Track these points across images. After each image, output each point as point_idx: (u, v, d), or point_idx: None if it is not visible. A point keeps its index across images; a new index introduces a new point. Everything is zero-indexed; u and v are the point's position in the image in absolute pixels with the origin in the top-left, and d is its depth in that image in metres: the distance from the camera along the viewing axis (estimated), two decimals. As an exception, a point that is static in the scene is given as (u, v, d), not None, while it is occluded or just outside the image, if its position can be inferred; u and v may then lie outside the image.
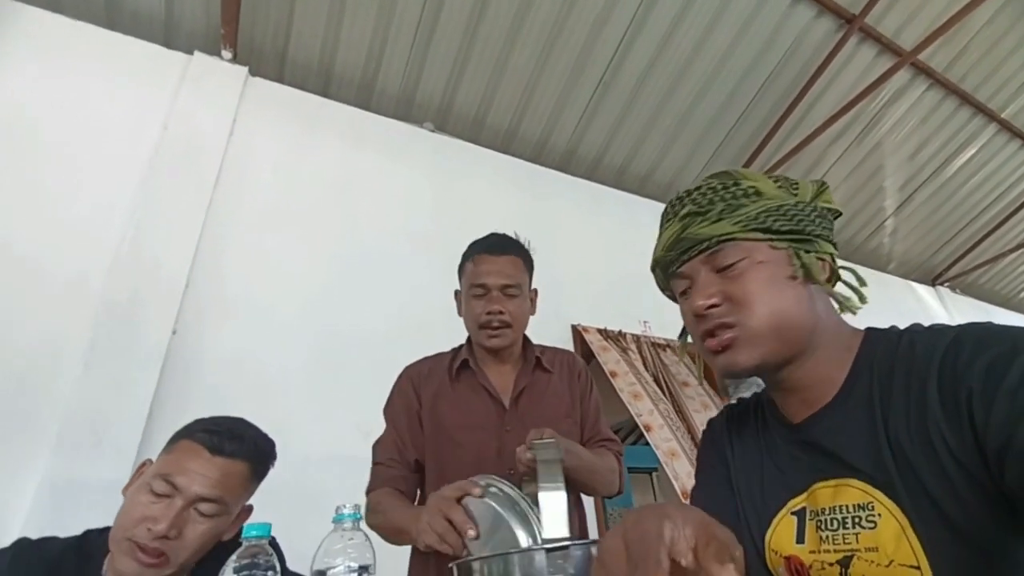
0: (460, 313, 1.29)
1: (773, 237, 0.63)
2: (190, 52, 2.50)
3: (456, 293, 1.32)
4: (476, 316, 1.18)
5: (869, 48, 3.39)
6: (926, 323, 0.61)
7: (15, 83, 2.11)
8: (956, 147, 4.18)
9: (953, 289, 5.38)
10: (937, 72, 3.62)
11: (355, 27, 2.69)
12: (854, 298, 0.66)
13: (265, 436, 0.99)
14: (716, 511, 0.71)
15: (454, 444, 1.13)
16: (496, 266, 1.20)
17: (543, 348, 1.31)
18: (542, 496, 0.66)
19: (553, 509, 0.65)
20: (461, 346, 1.29)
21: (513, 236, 1.28)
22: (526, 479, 0.90)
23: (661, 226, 0.71)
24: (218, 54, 2.54)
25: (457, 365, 1.22)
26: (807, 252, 0.63)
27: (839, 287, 0.68)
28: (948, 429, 0.50)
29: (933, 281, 5.31)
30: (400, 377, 1.28)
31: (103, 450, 1.73)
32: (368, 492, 1.15)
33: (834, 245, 0.67)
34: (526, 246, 1.28)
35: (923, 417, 0.52)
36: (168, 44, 2.49)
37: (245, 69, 2.59)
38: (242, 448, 0.91)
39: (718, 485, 0.74)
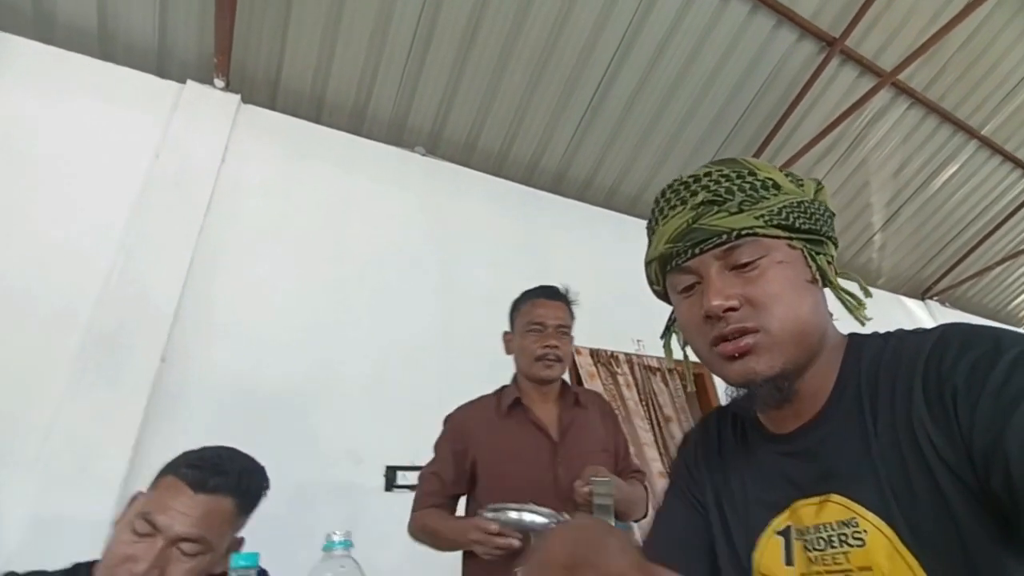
0: (508, 351, 1.46)
1: (792, 235, 0.59)
2: (183, 81, 2.52)
3: (505, 334, 1.49)
4: (532, 351, 1.35)
5: (851, 69, 3.47)
6: None
7: (5, 112, 2.12)
8: (939, 164, 4.26)
9: (942, 303, 5.43)
10: (917, 92, 3.70)
11: (347, 54, 2.74)
12: (862, 306, 0.64)
13: (254, 468, 0.98)
14: (675, 537, 0.70)
15: (509, 475, 1.26)
16: (552, 309, 1.41)
17: (574, 386, 1.47)
18: None
19: None
20: (505, 387, 1.44)
21: (563, 289, 1.49)
22: (581, 509, 1.03)
23: (661, 215, 0.64)
24: (211, 82, 2.57)
25: (508, 403, 1.35)
26: (819, 254, 0.60)
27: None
28: (934, 430, 0.49)
29: (922, 295, 5.36)
30: (446, 424, 1.42)
31: (88, 481, 1.70)
32: (415, 509, 1.33)
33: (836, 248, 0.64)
34: (574, 299, 1.50)
35: (909, 419, 0.51)
36: (161, 73, 2.52)
37: (237, 97, 2.61)
38: (226, 483, 0.90)
39: (683, 509, 0.72)
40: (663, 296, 0.70)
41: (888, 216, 4.58)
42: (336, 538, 0.64)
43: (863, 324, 0.63)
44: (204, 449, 0.94)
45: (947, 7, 3.23)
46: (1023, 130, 4.16)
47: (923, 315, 5.16)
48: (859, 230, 4.60)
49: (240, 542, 0.96)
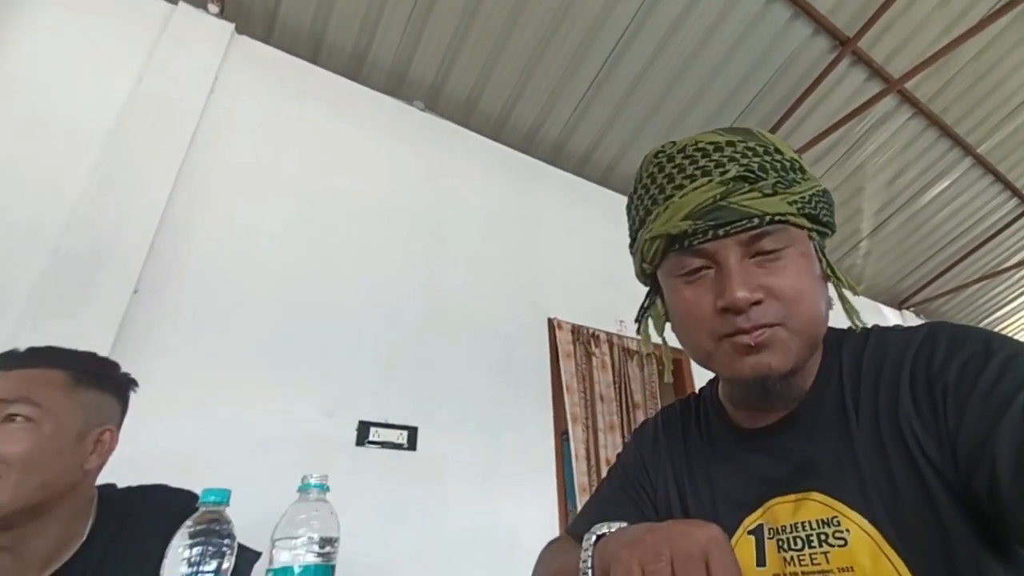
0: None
1: (815, 227, 0.55)
2: (174, 2, 2.38)
3: None
4: None
5: (860, 72, 3.44)
6: None
7: (-20, 14, 1.98)
8: (932, 177, 4.29)
9: (918, 314, 5.55)
10: (921, 102, 3.70)
11: (351, -5, 2.61)
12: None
13: (85, 352, 0.86)
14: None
15: None
16: None
17: None
18: None
19: None
20: None
21: None
22: None
23: (671, 182, 0.57)
24: (204, 7, 2.43)
25: None
26: (824, 249, 0.58)
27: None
28: (920, 427, 0.48)
29: (900, 305, 5.47)
30: None
31: (47, 409, 1.64)
32: None
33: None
34: None
35: (894, 416, 0.49)
36: (151, -9, 2.37)
37: (232, 26, 2.48)
38: (45, 358, 0.79)
39: (626, 500, 0.68)
40: (650, 277, 0.63)
41: (877, 224, 4.62)
42: (312, 480, 0.61)
43: (857, 328, 0.60)
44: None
45: (960, 21, 3.21)
46: (1017, 152, 4.20)
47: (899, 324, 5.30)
48: (847, 234, 4.64)
49: (112, 435, 0.84)
